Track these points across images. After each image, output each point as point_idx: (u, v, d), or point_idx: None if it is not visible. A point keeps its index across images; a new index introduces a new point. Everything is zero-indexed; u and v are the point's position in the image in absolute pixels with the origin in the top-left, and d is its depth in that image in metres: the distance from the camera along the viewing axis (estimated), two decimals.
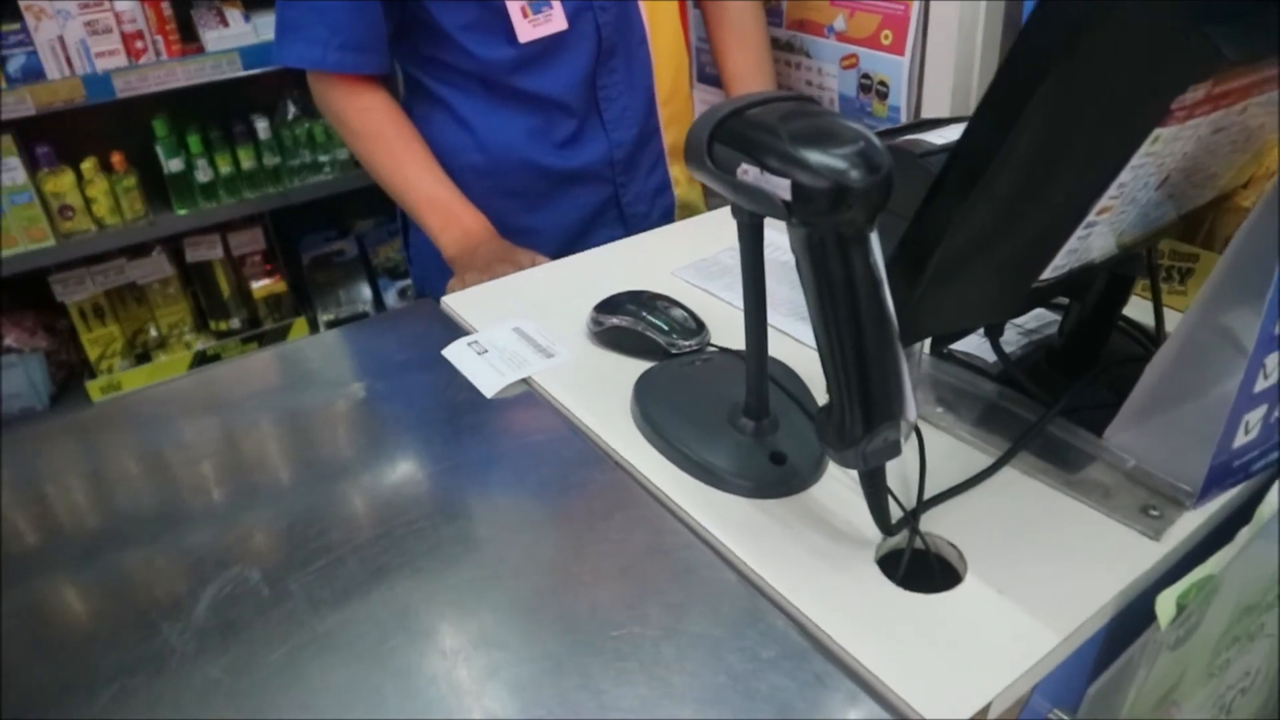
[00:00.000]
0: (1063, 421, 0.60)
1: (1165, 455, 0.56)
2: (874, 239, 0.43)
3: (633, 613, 0.50)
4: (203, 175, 1.97)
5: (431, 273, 1.19)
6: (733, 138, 0.45)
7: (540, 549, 0.56)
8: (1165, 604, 0.47)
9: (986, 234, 0.45)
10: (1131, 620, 0.51)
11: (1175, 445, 0.55)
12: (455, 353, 0.77)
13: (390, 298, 2.38)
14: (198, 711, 0.46)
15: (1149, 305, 0.67)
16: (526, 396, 0.71)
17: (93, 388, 2.08)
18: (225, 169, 2.00)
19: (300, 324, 2.30)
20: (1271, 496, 0.52)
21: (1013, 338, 0.70)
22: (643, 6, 1.14)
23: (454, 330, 0.81)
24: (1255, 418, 0.53)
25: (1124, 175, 0.44)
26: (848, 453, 0.47)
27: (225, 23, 1.90)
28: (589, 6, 1.08)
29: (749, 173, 0.44)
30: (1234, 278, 0.50)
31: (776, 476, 0.57)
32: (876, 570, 0.51)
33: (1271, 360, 0.51)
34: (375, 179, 1.12)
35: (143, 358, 2.17)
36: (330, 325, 2.33)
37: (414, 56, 1.11)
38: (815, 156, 0.42)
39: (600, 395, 0.68)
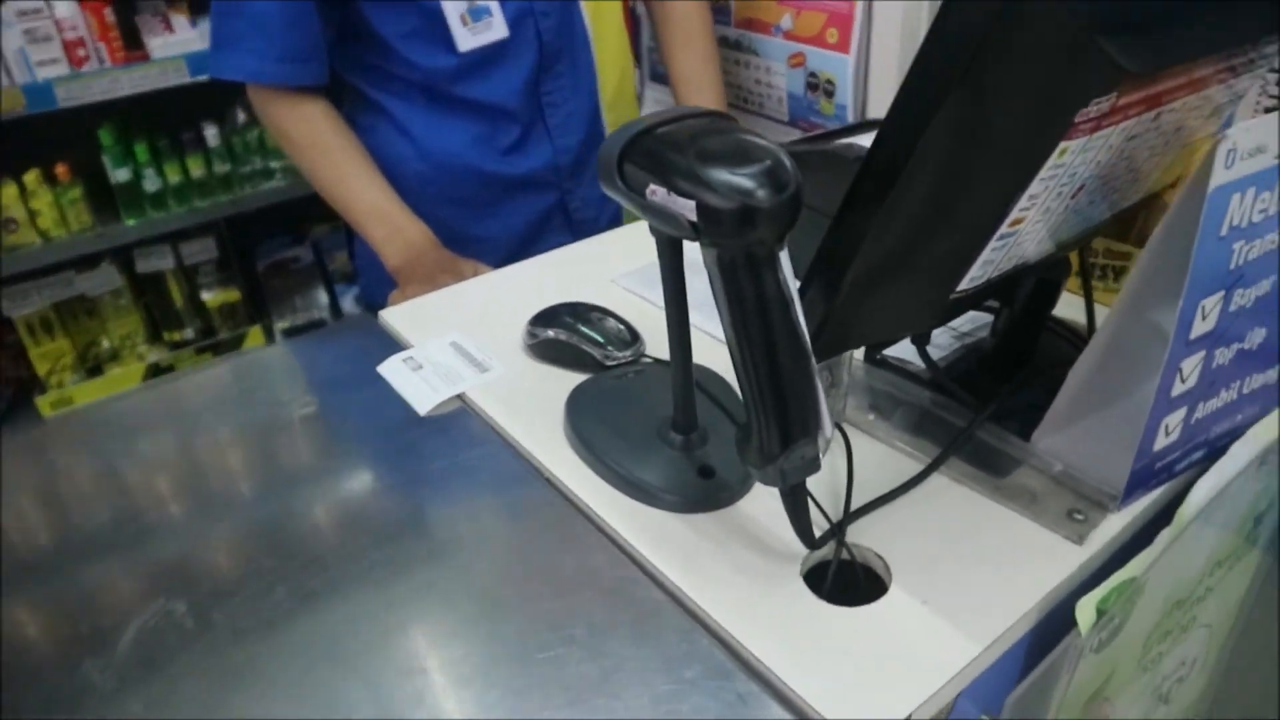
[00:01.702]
0: (992, 427, 0.60)
1: (1091, 459, 0.56)
2: (784, 257, 0.43)
3: (560, 634, 0.50)
4: (151, 185, 1.94)
5: (378, 283, 1.17)
6: (642, 157, 0.45)
7: (470, 572, 0.55)
8: (1085, 610, 0.48)
9: (901, 245, 0.45)
10: (1056, 624, 0.51)
11: (1100, 448, 0.56)
12: (390, 369, 0.75)
13: (347, 303, 2.36)
14: None
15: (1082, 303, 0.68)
16: (461, 413, 0.70)
17: (43, 403, 2.04)
18: (175, 178, 1.96)
19: (255, 332, 2.26)
20: (1194, 497, 0.53)
21: (945, 341, 0.70)
22: (585, 10, 1.13)
23: (393, 345, 0.80)
24: (1175, 420, 0.54)
25: (1034, 187, 0.45)
26: (767, 470, 0.47)
27: (171, 29, 1.87)
28: (530, 13, 1.07)
29: (657, 193, 0.44)
30: (1151, 282, 0.51)
31: (704, 491, 0.57)
32: (802, 585, 0.51)
33: (1188, 364, 0.52)
34: (318, 190, 1.10)
35: (94, 371, 2.13)
36: (287, 333, 2.30)
37: (355, 65, 1.10)
38: (721, 176, 0.41)
39: (533, 410, 0.67)
